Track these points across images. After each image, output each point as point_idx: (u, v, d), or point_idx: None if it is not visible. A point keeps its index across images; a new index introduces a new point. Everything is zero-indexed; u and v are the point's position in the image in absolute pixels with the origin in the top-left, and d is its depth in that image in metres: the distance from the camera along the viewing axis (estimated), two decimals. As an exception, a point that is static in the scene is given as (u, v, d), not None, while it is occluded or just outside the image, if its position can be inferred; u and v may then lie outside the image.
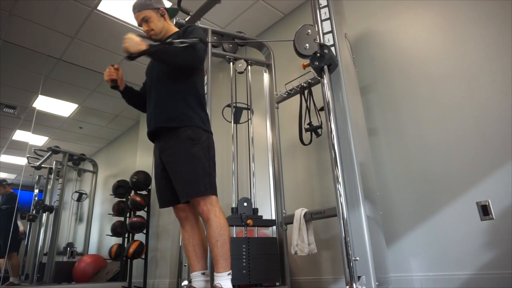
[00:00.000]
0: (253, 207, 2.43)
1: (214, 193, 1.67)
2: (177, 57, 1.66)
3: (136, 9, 1.86)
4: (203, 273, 1.73)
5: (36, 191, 4.45)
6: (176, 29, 1.95)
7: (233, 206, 2.40)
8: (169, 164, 1.69)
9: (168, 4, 3.21)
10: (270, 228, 2.54)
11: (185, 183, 1.63)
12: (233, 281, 1.59)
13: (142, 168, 4.30)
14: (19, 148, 4.50)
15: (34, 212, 4.28)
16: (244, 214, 2.33)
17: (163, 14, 1.90)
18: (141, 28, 1.89)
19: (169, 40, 1.75)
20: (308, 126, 2.47)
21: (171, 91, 1.76)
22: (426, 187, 2.09)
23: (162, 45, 1.66)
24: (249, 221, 2.30)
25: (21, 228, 4.11)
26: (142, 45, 1.63)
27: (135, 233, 3.97)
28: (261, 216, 2.41)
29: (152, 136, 1.83)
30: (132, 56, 1.64)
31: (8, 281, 3.68)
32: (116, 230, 4.10)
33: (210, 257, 1.82)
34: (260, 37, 3.65)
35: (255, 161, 2.69)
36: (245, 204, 2.40)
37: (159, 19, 1.88)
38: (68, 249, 4.52)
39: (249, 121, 2.77)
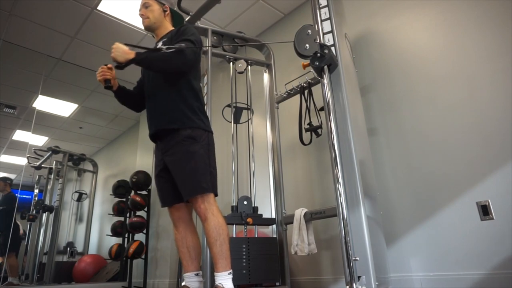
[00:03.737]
0: (253, 205, 2.43)
1: (215, 191, 1.69)
2: (165, 63, 1.66)
3: None
4: (197, 274, 1.73)
5: (36, 191, 4.45)
6: (171, 28, 1.95)
7: (233, 204, 2.40)
8: (171, 163, 1.70)
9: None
10: (270, 227, 2.54)
11: (188, 181, 1.64)
12: (233, 281, 1.59)
13: (142, 168, 4.30)
14: (19, 148, 4.49)
15: (34, 212, 4.28)
16: (244, 213, 2.33)
17: (165, 10, 1.93)
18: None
19: (157, 46, 1.75)
20: (308, 126, 2.47)
21: (169, 92, 1.77)
22: (426, 187, 2.08)
23: (149, 52, 1.66)
24: (249, 220, 2.30)
25: (21, 230, 4.09)
26: (130, 54, 1.62)
27: (135, 233, 3.97)
28: (261, 215, 2.41)
29: (154, 138, 1.84)
30: (120, 66, 1.63)
31: (7, 281, 3.68)
32: (116, 230, 4.10)
33: (210, 257, 1.83)
34: (260, 37, 3.65)
35: (255, 161, 2.69)
36: (245, 202, 2.40)
37: (159, 12, 1.91)
38: (68, 249, 4.51)
39: (249, 121, 2.77)
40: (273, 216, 2.52)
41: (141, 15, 1.91)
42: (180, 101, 1.74)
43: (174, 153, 1.69)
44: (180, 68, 1.71)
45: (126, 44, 1.65)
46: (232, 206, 2.38)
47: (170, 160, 1.71)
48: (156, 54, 1.65)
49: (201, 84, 2.53)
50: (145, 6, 1.90)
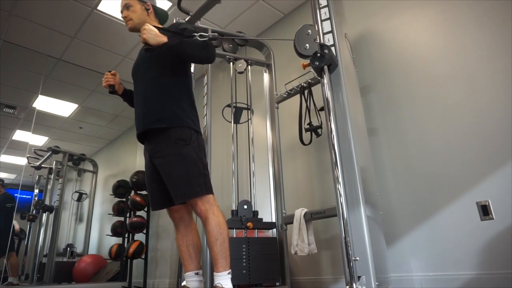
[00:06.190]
0: (253, 209, 2.43)
1: (210, 192, 1.66)
2: (198, 52, 1.66)
3: None
4: (197, 273, 1.72)
5: (36, 191, 4.45)
6: (159, 26, 1.91)
7: (233, 208, 2.39)
8: (161, 166, 1.66)
9: (167, 5, 3.22)
10: (270, 228, 2.54)
11: (180, 184, 1.61)
12: (233, 281, 1.59)
13: (142, 168, 4.24)
14: (19, 148, 4.49)
15: (34, 212, 4.28)
16: (244, 217, 2.33)
17: (147, 8, 1.89)
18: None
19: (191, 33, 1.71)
20: (308, 126, 2.47)
21: (159, 90, 1.73)
22: (426, 187, 2.08)
23: (181, 37, 1.64)
24: (249, 224, 2.30)
25: (16, 226, 4.08)
26: (163, 37, 1.60)
27: (135, 233, 3.97)
28: (261, 219, 2.41)
29: (141, 137, 1.81)
30: (150, 48, 1.62)
31: (7, 281, 3.68)
32: (116, 230, 4.10)
33: (209, 256, 1.82)
34: (260, 37, 3.65)
35: (255, 161, 2.69)
36: (245, 206, 2.39)
37: (141, 12, 1.87)
38: (68, 249, 4.51)
39: (249, 121, 2.76)
40: (273, 217, 2.52)
41: (124, 17, 1.86)
42: (169, 99, 1.72)
43: (165, 156, 1.65)
44: (208, 59, 1.75)
45: (156, 27, 1.65)
46: (232, 211, 2.37)
47: (160, 163, 1.67)
48: (191, 41, 1.63)
49: (201, 85, 2.53)
50: (126, 7, 1.85)
